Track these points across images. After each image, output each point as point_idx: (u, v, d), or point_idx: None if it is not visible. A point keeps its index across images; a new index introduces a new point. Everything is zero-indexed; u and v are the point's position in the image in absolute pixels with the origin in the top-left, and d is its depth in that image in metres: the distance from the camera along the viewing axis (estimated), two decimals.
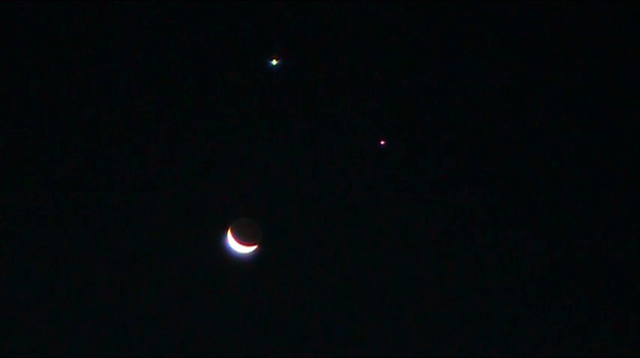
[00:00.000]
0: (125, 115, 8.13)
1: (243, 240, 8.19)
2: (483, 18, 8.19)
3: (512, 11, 8.19)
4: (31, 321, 8.04)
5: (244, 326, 8.30)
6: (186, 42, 8.05)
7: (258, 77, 8.11)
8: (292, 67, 8.11)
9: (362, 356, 8.41)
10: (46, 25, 7.92)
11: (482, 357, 8.45)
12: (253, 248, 8.25)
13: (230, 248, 8.23)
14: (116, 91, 8.08)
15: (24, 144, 8.04)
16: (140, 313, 8.17)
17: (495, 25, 8.23)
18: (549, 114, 8.40)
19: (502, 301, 8.47)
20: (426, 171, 8.38)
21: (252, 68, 8.09)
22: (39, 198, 8.08)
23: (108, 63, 8.04)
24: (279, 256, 8.33)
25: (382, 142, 8.28)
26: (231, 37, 8.06)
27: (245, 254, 8.25)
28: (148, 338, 8.18)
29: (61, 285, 8.09)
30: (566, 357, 8.43)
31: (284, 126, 8.22)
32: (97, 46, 8.00)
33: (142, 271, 8.18)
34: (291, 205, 8.31)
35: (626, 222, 8.43)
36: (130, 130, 8.15)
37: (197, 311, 8.24)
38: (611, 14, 8.20)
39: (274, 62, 8.08)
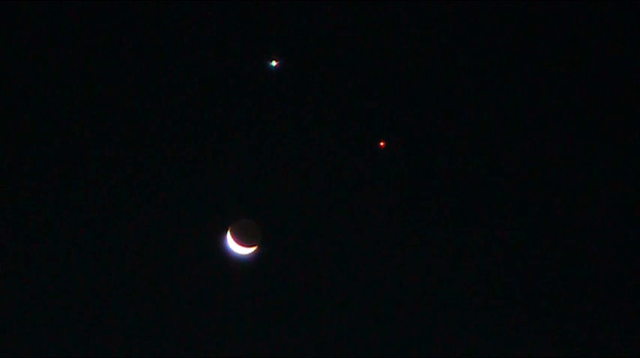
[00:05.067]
0: (125, 115, 8.13)
1: (242, 241, 8.21)
2: (483, 18, 8.18)
3: (512, 11, 8.18)
4: (31, 321, 8.06)
5: (244, 327, 8.32)
6: (186, 43, 8.05)
7: (257, 78, 8.11)
8: (292, 68, 8.12)
9: (361, 356, 8.43)
10: (46, 25, 7.92)
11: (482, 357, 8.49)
12: (253, 249, 8.27)
13: (229, 249, 8.25)
14: (116, 92, 8.09)
15: (24, 143, 8.04)
16: (140, 313, 8.20)
17: (495, 25, 8.22)
18: (550, 114, 8.40)
19: (501, 302, 8.50)
20: (426, 173, 8.38)
21: (252, 69, 8.10)
22: (39, 198, 8.09)
23: (108, 63, 8.04)
24: (278, 257, 8.35)
25: (381, 144, 8.29)
26: (231, 38, 8.06)
27: (244, 255, 8.27)
28: (147, 338, 8.20)
29: (61, 286, 8.11)
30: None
31: (284, 128, 8.22)
32: (96, 47, 8.00)
33: (141, 272, 8.19)
34: (290, 206, 8.32)
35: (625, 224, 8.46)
36: (129, 130, 8.16)
37: (197, 312, 8.26)
38: (611, 14, 8.20)
39: (274, 63, 8.09)
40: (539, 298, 8.56)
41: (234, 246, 8.23)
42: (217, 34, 8.05)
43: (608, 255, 8.51)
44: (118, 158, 8.17)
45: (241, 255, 8.27)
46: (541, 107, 8.38)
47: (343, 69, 8.16)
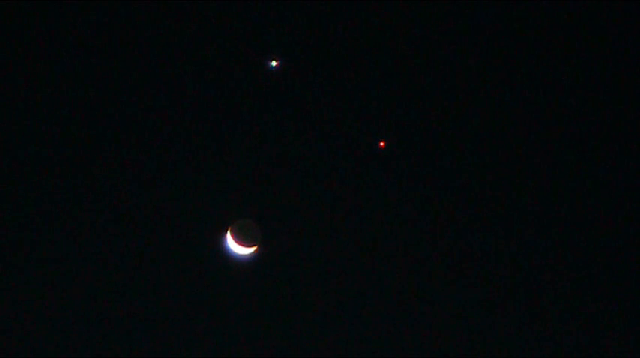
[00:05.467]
0: (125, 116, 8.13)
1: (242, 241, 8.21)
2: (483, 18, 8.18)
3: (512, 11, 8.18)
4: (31, 321, 8.06)
5: (244, 327, 8.32)
6: (186, 43, 8.05)
7: (257, 78, 8.11)
8: (292, 69, 8.12)
9: (361, 356, 8.43)
10: (46, 25, 7.93)
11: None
12: (253, 249, 8.27)
13: (229, 249, 8.25)
14: (116, 92, 8.09)
15: (24, 143, 8.05)
16: (140, 314, 8.19)
17: (495, 25, 8.22)
18: (550, 114, 8.40)
19: (501, 303, 8.50)
20: (426, 173, 8.38)
21: (252, 69, 8.10)
22: (39, 198, 8.09)
23: (108, 63, 8.05)
24: (278, 257, 8.35)
25: (381, 144, 8.29)
26: (232, 38, 8.06)
27: (244, 255, 8.27)
28: (147, 338, 8.20)
29: (61, 286, 8.11)
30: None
31: (284, 128, 8.22)
32: (97, 47, 8.00)
33: (141, 272, 8.19)
34: (290, 206, 8.32)
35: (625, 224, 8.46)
36: (130, 130, 8.16)
37: (197, 312, 8.26)
38: (611, 14, 8.20)
39: (274, 63, 8.09)
40: (540, 298, 8.56)
41: (234, 246, 8.23)
42: (217, 34, 8.04)
43: (608, 255, 8.51)
44: (118, 158, 8.17)
45: (241, 255, 8.27)
46: (541, 107, 8.38)
47: (343, 69, 8.16)
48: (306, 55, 8.12)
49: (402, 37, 8.14)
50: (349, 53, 8.12)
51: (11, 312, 8.03)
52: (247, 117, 8.20)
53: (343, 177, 8.32)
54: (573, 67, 8.31)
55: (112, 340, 8.15)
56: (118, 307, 8.17)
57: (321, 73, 8.13)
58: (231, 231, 8.22)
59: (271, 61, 8.07)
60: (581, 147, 8.42)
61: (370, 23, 8.09)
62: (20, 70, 7.95)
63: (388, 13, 8.07)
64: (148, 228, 8.20)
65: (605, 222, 8.50)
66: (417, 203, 8.43)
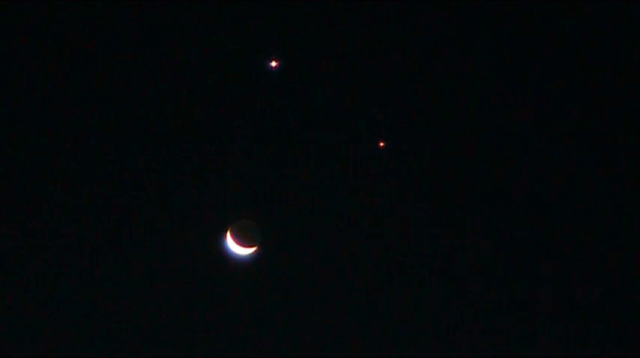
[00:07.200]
0: (125, 116, 8.14)
1: (242, 242, 8.21)
2: (483, 18, 8.18)
3: (512, 11, 8.18)
4: (31, 322, 8.07)
5: (244, 327, 8.33)
6: (186, 43, 8.06)
7: (257, 79, 8.12)
8: (291, 69, 8.12)
9: (361, 356, 8.44)
10: (46, 25, 7.93)
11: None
12: (252, 250, 8.27)
13: (229, 250, 8.25)
14: (116, 92, 8.09)
15: (24, 143, 8.06)
16: (140, 314, 8.20)
17: (495, 25, 8.22)
18: (550, 114, 8.39)
19: (501, 303, 8.50)
20: (426, 173, 8.38)
21: (252, 70, 8.10)
22: (38, 198, 8.10)
23: (108, 63, 8.05)
24: (278, 258, 8.36)
25: (381, 144, 8.30)
26: (231, 38, 8.06)
27: (244, 256, 8.28)
28: (148, 338, 8.21)
29: (60, 286, 8.12)
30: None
31: (283, 128, 8.23)
32: (96, 47, 8.01)
33: (141, 272, 8.20)
34: (290, 206, 8.32)
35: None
36: (129, 131, 8.16)
37: (197, 312, 8.27)
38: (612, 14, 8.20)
39: (273, 64, 8.09)
40: (540, 299, 8.56)
41: (234, 247, 8.24)
42: (217, 34, 8.05)
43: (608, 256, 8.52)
44: (118, 159, 8.18)
45: (241, 256, 8.28)
46: (541, 106, 8.38)
47: (343, 69, 8.17)
48: (305, 56, 8.12)
49: (402, 37, 8.14)
50: (349, 53, 8.13)
51: (11, 312, 8.05)
52: (247, 118, 8.20)
53: (343, 177, 8.32)
54: (573, 67, 8.31)
55: (112, 340, 8.17)
56: (118, 307, 8.19)
57: (321, 74, 8.14)
58: (231, 232, 8.22)
59: (271, 62, 8.08)
60: (584, 148, 8.42)
61: (370, 23, 8.09)
62: (20, 69, 7.98)
63: (388, 13, 8.07)
64: (148, 228, 8.21)
65: (606, 223, 8.51)
66: (417, 203, 8.43)
